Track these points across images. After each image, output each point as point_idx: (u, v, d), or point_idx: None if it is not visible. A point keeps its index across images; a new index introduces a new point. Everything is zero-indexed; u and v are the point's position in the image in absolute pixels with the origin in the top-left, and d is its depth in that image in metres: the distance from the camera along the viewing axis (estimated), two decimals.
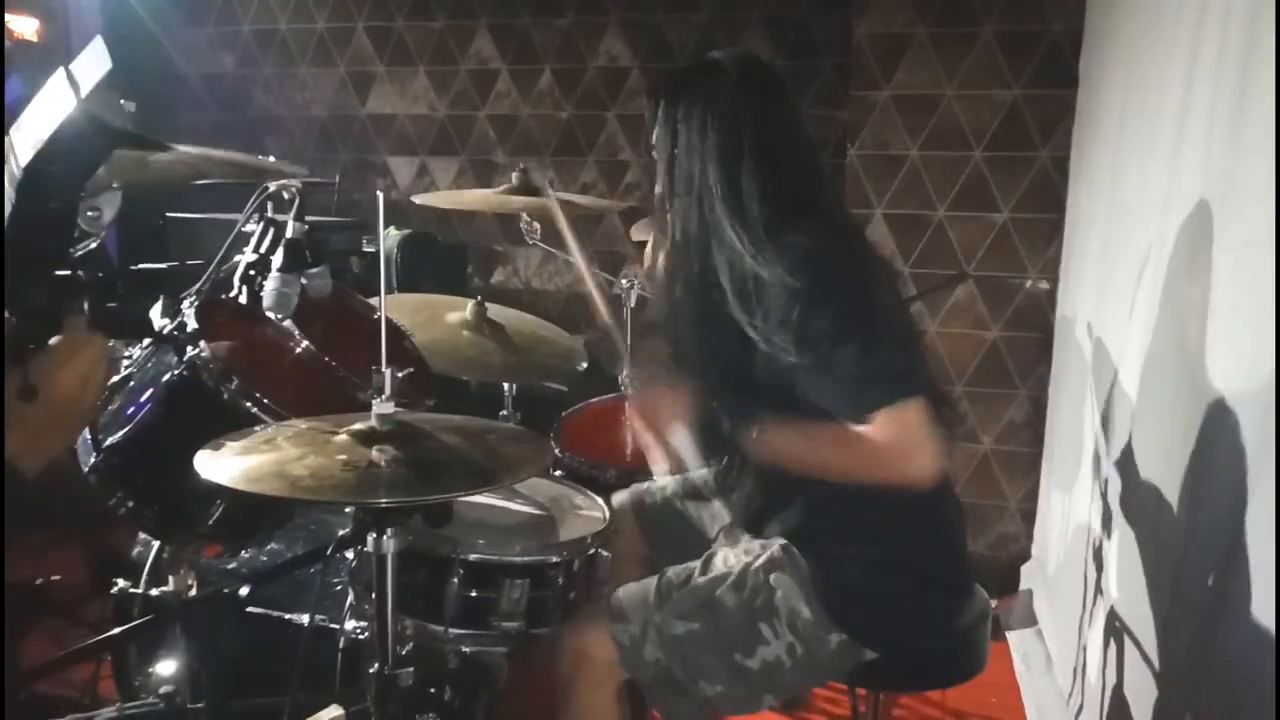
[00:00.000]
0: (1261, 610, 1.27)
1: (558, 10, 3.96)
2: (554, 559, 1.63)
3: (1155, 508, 1.78)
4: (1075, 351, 2.79)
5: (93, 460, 1.60)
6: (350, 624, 1.78)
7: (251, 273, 1.81)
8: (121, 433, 1.61)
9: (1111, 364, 2.25)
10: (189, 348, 1.59)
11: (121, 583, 1.92)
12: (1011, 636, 3.01)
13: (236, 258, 1.85)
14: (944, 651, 1.65)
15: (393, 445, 1.35)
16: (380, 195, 1.59)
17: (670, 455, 1.60)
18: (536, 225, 2.49)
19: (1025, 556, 3.36)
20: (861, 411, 1.38)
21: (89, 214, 1.18)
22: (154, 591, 1.86)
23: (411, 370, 1.85)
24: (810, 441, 1.47)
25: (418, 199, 2.54)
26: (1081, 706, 2.28)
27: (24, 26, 3.89)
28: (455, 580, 1.58)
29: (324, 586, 1.84)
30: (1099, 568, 2.19)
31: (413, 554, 1.52)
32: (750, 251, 1.46)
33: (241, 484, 1.26)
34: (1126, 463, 1.98)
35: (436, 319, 2.25)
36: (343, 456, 1.32)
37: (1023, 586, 3.24)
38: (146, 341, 1.68)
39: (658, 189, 1.60)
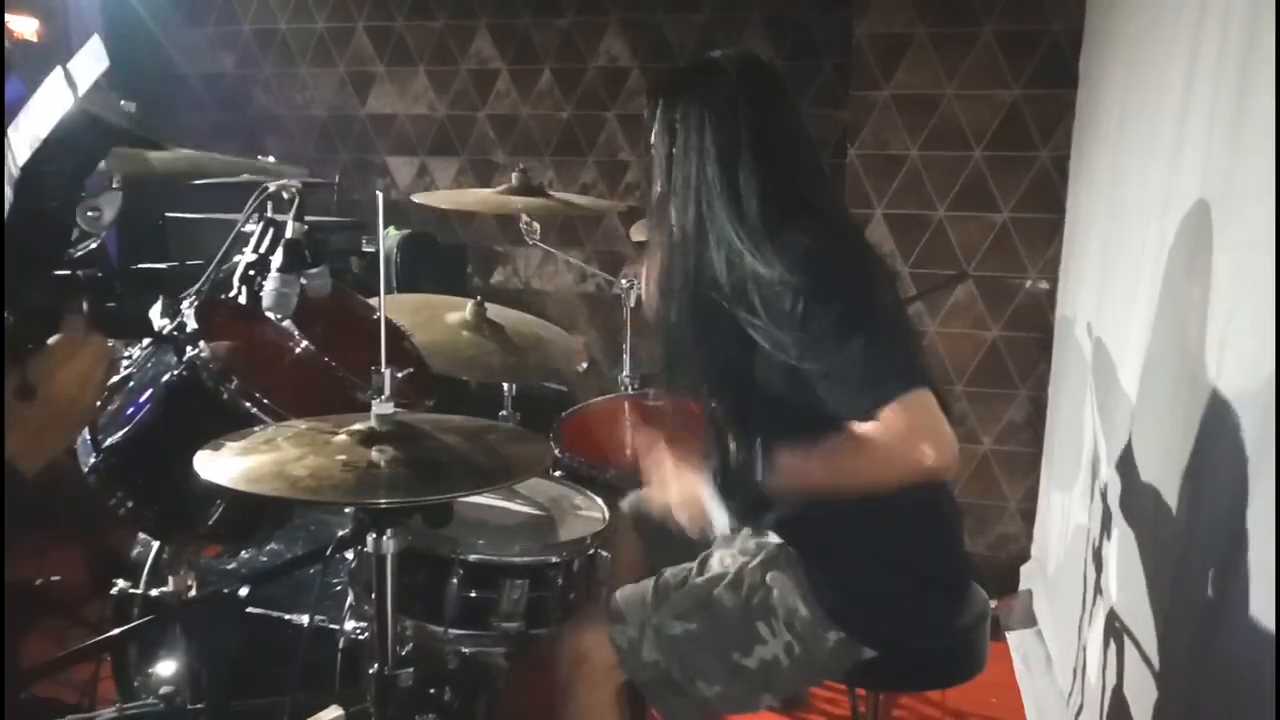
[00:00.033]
0: (1261, 610, 1.27)
1: (558, 10, 3.96)
2: (554, 559, 1.63)
3: (1155, 508, 1.78)
4: (1075, 351, 2.79)
5: (93, 460, 1.60)
6: (350, 624, 1.78)
7: (251, 273, 1.80)
8: (121, 433, 1.61)
9: (1111, 364, 2.25)
10: (189, 348, 1.59)
11: (121, 583, 1.92)
12: (1011, 636, 3.01)
13: (236, 258, 1.85)
14: (944, 651, 1.65)
15: (392, 446, 1.35)
16: (380, 195, 1.58)
17: (697, 518, 1.54)
18: (536, 225, 2.49)
19: (1025, 556, 3.36)
20: (870, 407, 1.35)
21: (89, 214, 1.17)
22: (154, 592, 1.86)
23: (411, 370, 1.85)
24: (825, 461, 1.43)
25: (416, 198, 2.54)
26: (1081, 707, 2.28)
27: (24, 27, 3.89)
28: (455, 581, 1.58)
29: (324, 587, 1.85)
30: (1099, 568, 2.19)
31: (412, 554, 1.52)
32: (749, 250, 1.46)
33: (241, 484, 1.26)
34: (1126, 463, 1.98)
35: (436, 319, 2.25)
36: (342, 457, 1.32)
37: (1022, 587, 3.24)
38: (146, 341, 1.68)
39: (656, 188, 1.60)
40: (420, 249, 3.70)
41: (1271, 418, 1.26)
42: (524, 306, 2.61)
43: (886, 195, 3.40)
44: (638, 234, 2.91)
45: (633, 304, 2.56)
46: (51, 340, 1.05)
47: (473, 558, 1.58)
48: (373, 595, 1.47)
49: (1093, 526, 2.28)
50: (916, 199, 3.37)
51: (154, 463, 1.61)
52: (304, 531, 2.01)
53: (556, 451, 2.15)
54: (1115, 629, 1.96)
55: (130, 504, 1.61)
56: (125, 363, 1.68)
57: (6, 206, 1.04)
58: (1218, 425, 1.48)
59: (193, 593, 1.82)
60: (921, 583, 1.57)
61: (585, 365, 2.40)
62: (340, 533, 1.54)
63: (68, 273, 1.11)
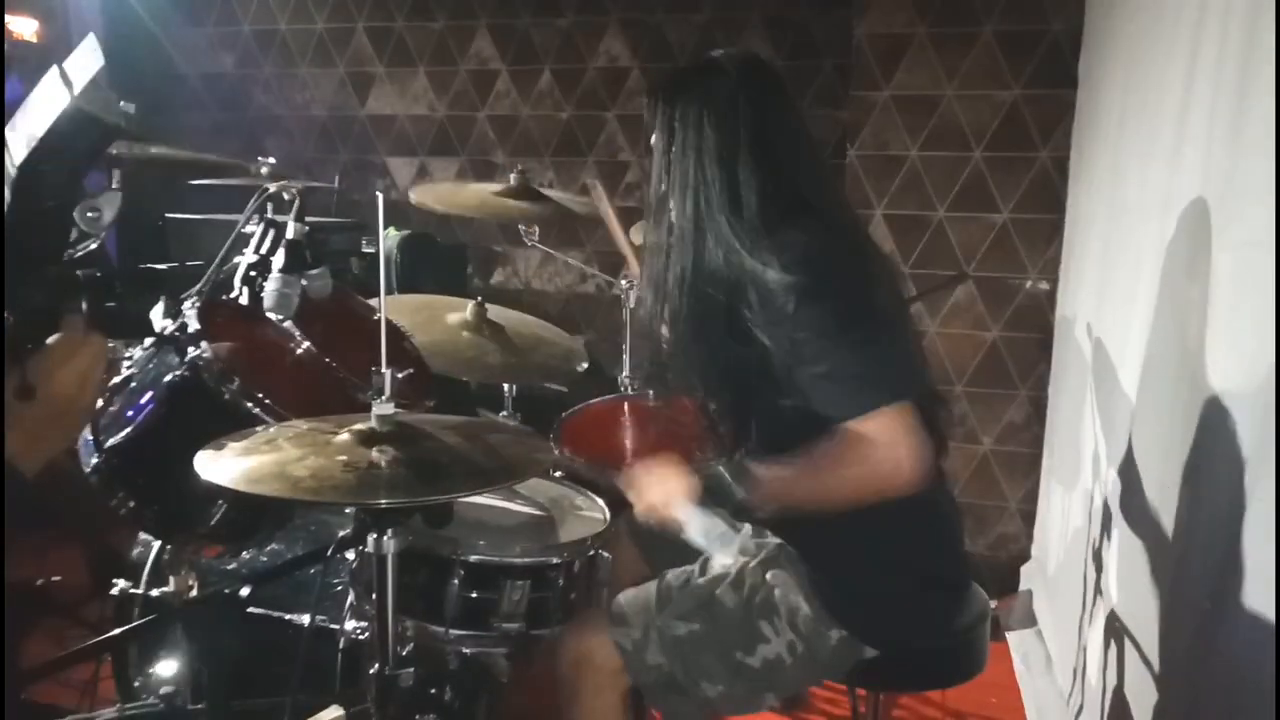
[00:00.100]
0: (1261, 611, 1.27)
1: (558, 10, 3.96)
2: (554, 560, 1.63)
3: (1155, 508, 1.78)
4: (1075, 351, 2.79)
5: (94, 461, 1.60)
6: (350, 624, 1.78)
7: (252, 274, 1.81)
8: (123, 433, 1.61)
9: (1111, 364, 2.25)
10: (190, 348, 1.59)
11: (122, 583, 1.92)
12: (1011, 637, 3.01)
13: (237, 259, 1.85)
14: (944, 651, 1.65)
15: (393, 446, 1.36)
16: (380, 196, 1.59)
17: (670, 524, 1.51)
18: (535, 227, 2.49)
19: (1025, 557, 3.36)
20: (857, 412, 1.36)
21: (88, 215, 1.17)
22: (154, 592, 1.87)
23: (411, 371, 1.85)
24: (807, 468, 1.43)
25: (414, 194, 2.53)
26: (1081, 707, 2.28)
27: (24, 27, 3.89)
28: (456, 581, 1.58)
29: (324, 587, 1.85)
30: (1099, 568, 2.19)
31: (413, 555, 1.52)
32: (747, 249, 1.46)
33: (242, 485, 1.26)
34: (1126, 463, 1.98)
35: (436, 320, 2.25)
36: (343, 457, 1.32)
37: (1023, 587, 3.24)
38: (148, 342, 1.68)
39: (655, 187, 1.60)
40: (420, 249, 3.70)
41: (1271, 418, 1.26)
42: (524, 307, 2.61)
43: (886, 195, 3.40)
44: (637, 235, 2.91)
45: (633, 304, 2.56)
46: (51, 340, 1.05)
47: (473, 558, 1.59)
48: (373, 595, 1.48)
49: (1093, 526, 2.28)
50: (916, 199, 3.37)
51: (155, 463, 1.61)
52: (305, 532, 2.01)
53: (556, 452, 2.15)
54: (1115, 629, 1.96)
55: (132, 504, 1.61)
56: (127, 363, 1.69)
57: (5, 206, 1.04)
58: (1218, 425, 1.48)
59: (193, 593, 1.82)
60: (921, 582, 1.57)
61: (585, 365, 2.40)
62: (341, 533, 1.55)
63: (66, 272, 1.11)
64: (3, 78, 3.20)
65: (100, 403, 1.63)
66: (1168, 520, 1.69)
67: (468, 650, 1.69)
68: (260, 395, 1.56)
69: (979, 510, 3.43)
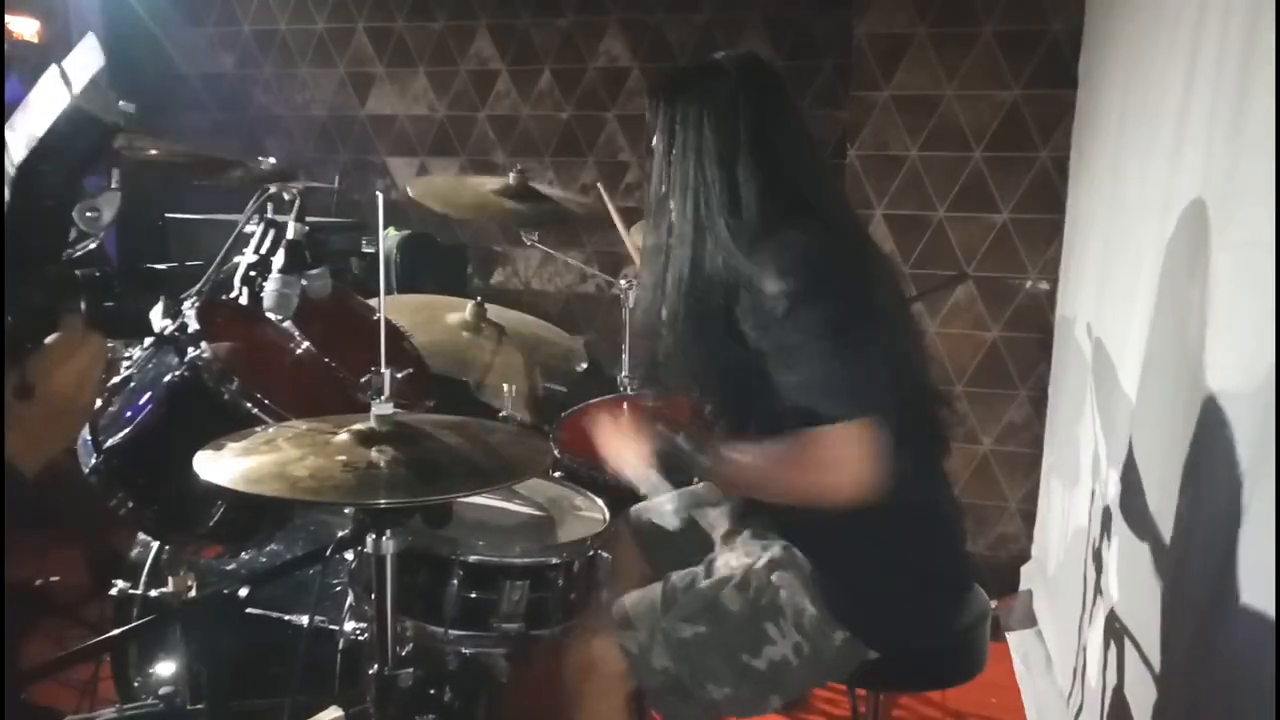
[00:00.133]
0: (1261, 611, 1.27)
1: (558, 10, 3.96)
2: (554, 560, 1.63)
3: (1155, 508, 1.78)
4: (1075, 352, 2.79)
5: (94, 461, 1.60)
6: (350, 625, 1.77)
7: (252, 274, 1.81)
8: (122, 434, 1.61)
9: (1111, 364, 2.25)
10: (190, 348, 1.59)
11: (121, 583, 1.92)
12: (1011, 637, 3.01)
13: (237, 259, 1.85)
14: (944, 651, 1.64)
15: (392, 446, 1.35)
16: (380, 196, 1.59)
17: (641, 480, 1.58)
18: (535, 233, 2.49)
19: (1025, 557, 3.36)
20: (817, 421, 1.36)
21: (88, 215, 1.17)
22: (154, 592, 1.87)
23: (411, 371, 1.85)
24: (763, 461, 1.46)
25: (412, 189, 2.52)
26: (1081, 707, 2.28)
27: (24, 28, 3.89)
28: (455, 581, 1.58)
29: (324, 587, 1.84)
30: (1099, 568, 2.19)
31: (412, 555, 1.52)
32: (744, 250, 1.46)
33: (242, 485, 1.26)
34: (1126, 463, 1.98)
35: (436, 319, 2.25)
36: (343, 457, 1.32)
37: (1023, 587, 3.24)
38: (147, 342, 1.68)
39: (655, 188, 1.60)
40: (420, 250, 3.70)
41: (1271, 418, 1.25)
42: (524, 307, 2.60)
43: (886, 195, 3.40)
44: (636, 236, 2.91)
45: (632, 304, 2.56)
46: (49, 339, 1.05)
47: (473, 558, 1.58)
48: (373, 596, 1.47)
49: (1093, 526, 2.28)
50: (916, 199, 3.37)
51: (155, 463, 1.61)
52: (304, 532, 2.01)
53: (556, 452, 2.15)
54: (1115, 629, 1.96)
55: (131, 504, 1.61)
56: (126, 363, 1.69)
57: (4, 206, 1.04)
58: (1218, 425, 1.48)
59: (193, 593, 1.82)
60: (922, 583, 1.57)
61: (585, 365, 2.40)
62: (340, 533, 1.55)
63: (65, 272, 1.11)
64: (2, 78, 3.20)
65: (99, 403, 1.63)
66: (1168, 520, 1.69)
67: (467, 651, 1.68)
68: (260, 395, 1.56)
69: (979, 510, 3.43)
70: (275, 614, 1.88)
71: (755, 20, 3.76)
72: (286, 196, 1.81)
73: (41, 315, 1.05)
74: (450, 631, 1.60)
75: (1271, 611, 1.23)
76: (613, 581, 1.75)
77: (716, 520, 1.81)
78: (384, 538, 1.41)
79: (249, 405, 1.54)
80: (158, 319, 1.67)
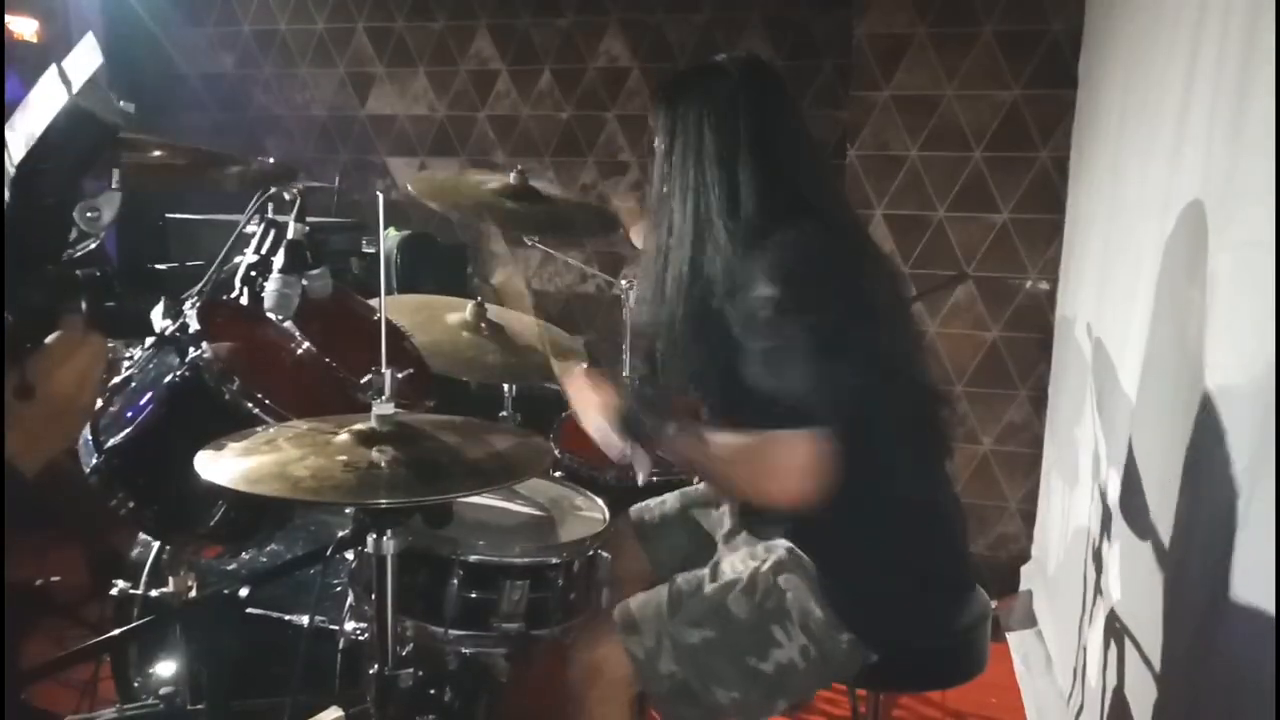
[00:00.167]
0: (1261, 611, 1.27)
1: (558, 10, 3.96)
2: (554, 560, 1.62)
3: (1155, 508, 1.78)
4: (1075, 351, 2.79)
5: (94, 461, 1.60)
6: (350, 625, 1.77)
7: (252, 274, 1.81)
8: (123, 434, 1.61)
9: (1111, 364, 2.25)
10: (191, 349, 1.59)
11: (121, 584, 1.92)
12: (1011, 637, 3.01)
13: (237, 259, 1.85)
14: (944, 652, 1.65)
15: (393, 446, 1.35)
16: (380, 196, 1.59)
17: (608, 444, 1.58)
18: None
19: (1025, 557, 3.36)
20: (773, 424, 1.38)
21: (88, 215, 1.17)
22: (154, 592, 1.86)
23: (411, 371, 1.85)
24: (717, 447, 1.47)
25: (412, 185, 2.52)
26: (1081, 707, 2.28)
27: (24, 28, 3.89)
28: (455, 581, 1.58)
29: (324, 587, 1.84)
30: (1099, 568, 2.19)
31: (412, 555, 1.52)
32: (739, 252, 1.47)
33: (242, 485, 1.26)
34: (1126, 463, 1.98)
35: (436, 319, 2.25)
36: (343, 457, 1.32)
37: (1023, 587, 3.24)
38: (148, 342, 1.68)
39: (657, 189, 1.60)
40: (420, 250, 3.70)
41: (1271, 418, 1.26)
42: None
43: (886, 195, 3.40)
44: (637, 236, 2.91)
45: (632, 304, 2.56)
46: (49, 339, 1.05)
47: (473, 558, 1.58)
48: (373, 596, 1.48)
49: (1093, 527, 2.28)
50: (916, 199, 3.37)
51: (155, 463, 1.61)
52: (304, 532, 2.01)
53: (556, 452, 2.15)
54: (1115, 629, 1.96)
55: (131, 505, 1.61)
56: (127, 364, 1.69)
57: (4, 205, 1.04)
58: (1218, 425, 1.48)
59: (193, 593, 1.82)
60: (922, 583, 1.57)
61: (585, 365, 2.40)
62: (340, 533, 1.54)
63: (65, 271, 1.11)
64: (2, 77, 3.20)
65: (100, 403, 1.63)
66: (1168, 520, 1.69)
67: (467, 650, 1.68)
68: (260, 395, 1.55)
69: (979, 510, 3.43)
70: (275, 614, 1.88)
71: (755, 20, 3.76)
72: (287, 197, 1.80)
73: (41, 315, 1.05)
74: (450, 631, 1.59)
75: (1271, 611, 1.23)
76: (613, 581, 1.75)
77: (718, 520, 1.81)
78: (384, 538, 1.41)
79: (249, 405, 1.54)
80: (158, 319, 1.67)
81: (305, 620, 1.80)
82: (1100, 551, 2.17)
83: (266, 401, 1.55)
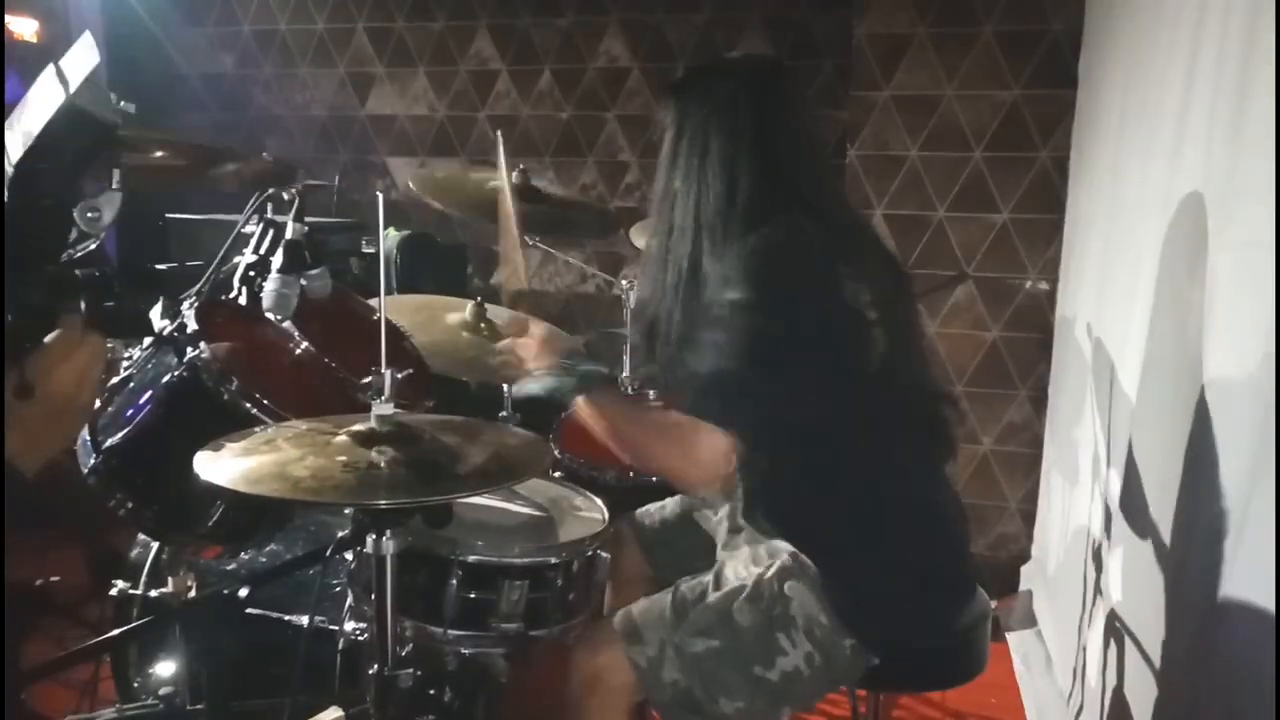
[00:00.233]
0: (1261, 611, 1.27)
1: (558, 10, 3.96)
2: (553, 560, 1.62)
3: (1155, 508, 1.78)
4: (1075, 351, 2.79)
5: (93, 461, 1.60)
6: (350, 625, 1.77)
7: (251, 274, 1.81)
8: (121, 434, 1.61)
9: (1111, 364, 2.25)
10: (189, 349, 1.59)
11: (121, 584, 1.92)
12: (1011, 637, 3.01)
13: (236, 259, 1.85)
14: (944, 652, 1.64)
15: (392, 446, 1.35)
16: (380, 196, 1.58)
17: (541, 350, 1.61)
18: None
19: (1025, 557, 3.36)
20: (700, 411, 1.43)
21: (88, 215, 1.17)
22: (153, 593, 1.86)
23: (411, 371, 1.85)
24: (651, 423, 1.56)
25: (413, 182, 2.52)
26: (1081, 707, 2.28)
27: (24, 27, 3.89)
28: (454, 581, 1.58)
29: (323, 588, 1.84)
30: (1099, 568, 2.19)
31: (412, 555, 1.52)
32: (736, 251, 1.47)
33: (241, 485, 1.26)
34: (1126, 463, 1.98)
35: (436, 320, 2.24)
36: (343, 458, 1.32)
37: (1023, 587, 3.24)
38: (147, 342, 1.67)
39: (659, 188, 1.61)
40: (420, 250, 3.69)
41: (1271, 418, 1.25)
42: (524, 307, 2.59)
43: (886, 195, 3.40)
44: (638, 235, 2.91)
45: (633, 304, 2.56)
46: (49, 339, 1.04)
47: (472, 558, 1.58)
48: (372, 596, 1.47)
49: (1093, 526, 2.28)
50: (916, 199, 3.37)
51: (154, 463, 1.61)
52: (304, 532, 2.01)
53: (556, 452, 2.14)
54: (1115, 629, 1.96)
55: (130, 505, 1.60)
56: (126, 364, 1.68)
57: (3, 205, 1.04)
58: (1218, 425, 1.48)
59: (192, 594, 1.82)
60: (922, 583, 1.56)
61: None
62: (340, 533, 1.54)
63: (64, 271, 1.11)
64: (2, 77, 3.20)
65: (99, 403, 1.63)
66: (1168, 520, 1.69)
67: (466, 651, 1.68)
68: (259, 395, 1.55)
69: (979, 510, 3.43)
70: (275, 614, 1.88)
71: (755, 20, 3.76)
72: (286, 196, 1.80)
73: (41, 315, 1.05)
74: (450, 632, 1.59)
75: (1271, 611, 1.23)
76: (613, 583, 1.75)
77: (718, 523, 1.80)
78: (384, 538, 1.41)
79: (248, 405, 1.54)
80: (157, 319, 1.67)
81: (305, 620, 1.80)
82: (1100, 551, 2.17)
83: (265, 402, 1.55)
